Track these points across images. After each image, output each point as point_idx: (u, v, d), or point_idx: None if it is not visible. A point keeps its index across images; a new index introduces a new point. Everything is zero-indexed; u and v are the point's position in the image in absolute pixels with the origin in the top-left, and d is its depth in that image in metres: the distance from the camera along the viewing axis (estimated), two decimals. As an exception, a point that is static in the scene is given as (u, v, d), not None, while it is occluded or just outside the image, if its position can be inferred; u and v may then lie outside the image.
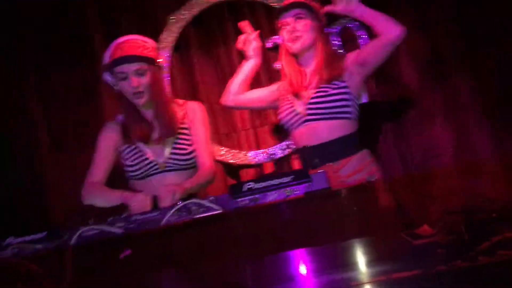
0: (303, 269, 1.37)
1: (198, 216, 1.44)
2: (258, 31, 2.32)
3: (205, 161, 2.09)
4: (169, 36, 2.77)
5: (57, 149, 2.83)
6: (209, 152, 2.13)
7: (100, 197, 2.05)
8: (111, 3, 2.89)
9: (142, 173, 2.09)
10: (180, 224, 1.41)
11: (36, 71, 2.86)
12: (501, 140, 2.66)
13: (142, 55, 2.03)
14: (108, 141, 2.13)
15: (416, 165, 2.73)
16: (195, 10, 2.79)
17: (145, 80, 2.03)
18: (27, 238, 1.55)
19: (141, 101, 2.05)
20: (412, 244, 1.40)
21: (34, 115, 2.84)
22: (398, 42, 2.06)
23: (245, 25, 2.30)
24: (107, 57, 2.07)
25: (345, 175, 2.04)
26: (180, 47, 2.82)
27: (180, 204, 1.53)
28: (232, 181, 2.79)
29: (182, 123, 2.13)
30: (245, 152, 2.74)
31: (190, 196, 1.82)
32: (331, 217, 1.36)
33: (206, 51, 2.84)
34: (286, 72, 2.22)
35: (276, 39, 2.73)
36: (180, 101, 2.24)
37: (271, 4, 2.78)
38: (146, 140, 2.07)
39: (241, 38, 2.29)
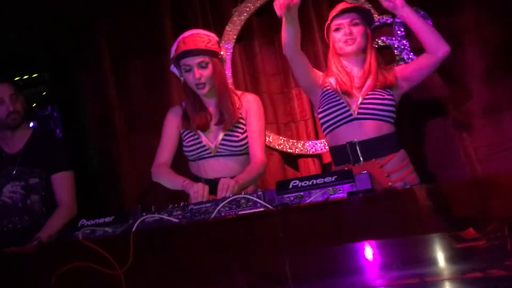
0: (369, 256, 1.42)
1: (244, 211, 1.54)
2: None
3: (257, 153, 2.20)
4: (233, 29, 2.88)
5: (130, 131, 3.06)
6: (261, 144, 2.24)
7: (165, 180, 2.25)
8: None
9: (195, 155, 2.27)
10: (227, 218, 1.52)
11: (113, 59, 3.08)
12: None
13: (205, 48, 2.17)
14: (172, 124, 2.32)
15: (480, 160, 2.65)
16: (259, 3, 2.86)
17: (207, 72, 2.17)
18: (98, 220, 1.76)
19: (203, 91, 2.21)
20: (454, 247, 1.41)
21: (110, 99, 3.08)
22: (443, 61, 2.20)
23: None
24: (173, 51, 2.24)
25: (387, 171, 2.18)
26: (243, 38, 2.92)
27: (231, 197, 1.65)
28: (291, 170, 2.88)
29: (238, 113, 2.25)
30: (303, 142, 2.80)
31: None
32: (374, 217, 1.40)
33: (268, 41, 2.92)
34: (333, 71, 2.30)
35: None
36: (238, 92, 2.36)
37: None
38: (204, 128, 2.24)
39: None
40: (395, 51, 2.74)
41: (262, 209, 1.52)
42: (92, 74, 3.11)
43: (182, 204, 1.75)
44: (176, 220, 1.64)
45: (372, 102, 2.22)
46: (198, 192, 2.00)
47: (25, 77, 3.35)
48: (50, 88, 3.32)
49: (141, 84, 3.00)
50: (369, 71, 2.26)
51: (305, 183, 1.59)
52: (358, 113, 2.22)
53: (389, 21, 2.77)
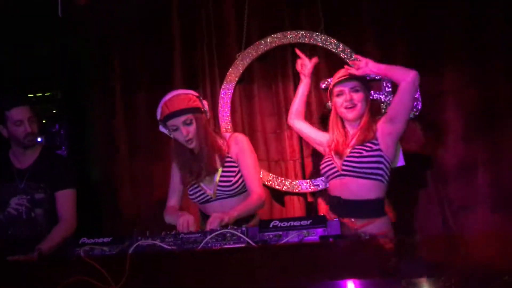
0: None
1: (227, 246, 1.75)
2: (313, 58, 2.72)
3: (254, 189, 2.39)
4: (235, 71, 3.13)
5: (132, 157, 3.28)
6: (257, 179, 2.43)
7: (169, 218, 2.45)
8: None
9: (200, 201, 2.49)
10: (213, 249, 1.74)
11: (123, 87, 3.32)
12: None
13: (186, 107, 2.33)
14: (177, 172, 2.52)
15: (453, 212, 2.86)
16: (260, 50, 3.12)
17: (193, 127, 2.35)
18: (97, 240, 1.97)
19: (191, 146, 2.39)
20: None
21: (116, 124, 3.31)
22: (415, 84, 2.37)
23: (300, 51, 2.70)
24: (158, 114, 2.40)
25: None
26: (244, 80, 3.17)
27: (219, 230, 1.86)
28: (277, 205, 3.09)
29: (227, 156, 2.43)
30: (290, 180, 3.03)
31: (237, 221, 2.18)
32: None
33: (266, 84, 3.16)
34: (332, 132, 2.52)
35: (330, 80, 3.01)
36: (227, 134, 2.55)
37: (331, 49, 3.04)
38: (197, 179, 2.42)
39: (298, 61, 2.68)
40: (382, 104, 2.98)
41: (243, 245, 1.73)
42: (102, 98, 3.36)
43: (174, 232, 1.97)
44: (168, 247, 1.85)
45: (352, 160, 2.37)
46: (182, 224, 2.19)
47: (39, 94, 3.58)
48: (61, 106, 3.53)
49: (146, 113, 3.22)
50: (358, 130, 2.42)
51: (284, 224, 1.81)
52: (343, 170, 2.39)
53: (378, 77, 3.01)
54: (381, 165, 2.36)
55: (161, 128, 2.44)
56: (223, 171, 2.42)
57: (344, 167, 2.39)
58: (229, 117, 3.10)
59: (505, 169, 2.83)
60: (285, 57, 3.13)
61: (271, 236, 1.80)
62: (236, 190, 2.42)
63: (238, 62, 3.13)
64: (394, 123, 2.37)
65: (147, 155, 3.24)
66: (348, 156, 2.39)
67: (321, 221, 1.77)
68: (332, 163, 2.45)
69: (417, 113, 2.93)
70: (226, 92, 3.12)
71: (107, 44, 3.34)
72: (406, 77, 2.32)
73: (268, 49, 3.11)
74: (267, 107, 3.15)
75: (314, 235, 1.76)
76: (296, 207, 3.01)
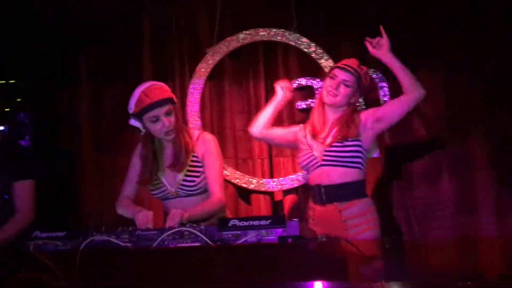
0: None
1: (184, 244, 1.71)
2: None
3: (216, 192, 2.32)
4: (206, 67, 3.08)
5: (97, 149, 3.21)
6: (220, 183, 2.37)
7: (124, 211, 2.36)
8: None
9: (161, 197, 2.43)
10: (169, 248, 1.69)
11: (91, 79, 3.24)
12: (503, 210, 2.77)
13: (168, 97, 2.28)
14: (138, 162, 2.42)
15: (415, 216, 2.89)
16: (232, 46, 3.08)
17: (173, 118, 2.29)
18: (51, 234, 1.89)
19: (171, 137, 2.31)
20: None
21: (82, 117, 3.23)
22: (418, 102, 2.37)
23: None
24: (133, 105, 2.25)
25: (346, 216, 2.34)
26: (214, 77, 3.12)
27: (176, 228, 1.82)
28: (243, 204, 3.07)
29: (193, 155, 2.37)
30: (257, 179, 3.00)
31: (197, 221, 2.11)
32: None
33: (237, 81, 3.13)
34: (313, 113, 2.49)
35: (301, 81, 3.00)
36: (196, 132, 2.48)
37: (303, 49, 3.03)
38: (149, 183, 2.37)
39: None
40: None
41: (198, 244, 1.69)
42: (69, 90, 3.27)
43: (130, 228, 1.91)
44: (122, 244, 1.80)
45: (333, 150, 2.37)
46: (142, 220, 2.12)
47: (2, 81, 3.46)
48: (26, 95, 3.43)
49: (113, 107, 3.15)
50: (340, 122, 2.39)
51: (243, 223, 1.77)
52: (324, 160, 2.38)
53: (381, 84, 2.95)
54: (360, 154, 2.38)
55: (132, 122, 2.31)
56: (188, 170, 2.34)
57: (325, 157, 2.39)
58: (198, 114, 3.05)
59: (470, 175, 2.87)
60: (257, 55, 3.11)
61: (230, 236, 1.76)
62: (198, 190, 2.37)
63: (208, 58, 3.09)
64: (381, 122, 2.40)
65: (112, 148, 3.16)
66: (329, 147, 2.39)
67: (280, 221, 1.74)
68: (312, 155, 2.42)
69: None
70: (196, 87, 3.07)
71: (76, 35, 3.25)
72: (416, 91, 2.33)
73: (240, 45, 3.08)
74: (237, 104, 3.12)
75: (273, 236, 1.73)
76: (262, 206, 2.99)
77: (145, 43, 3.16)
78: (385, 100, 2.96)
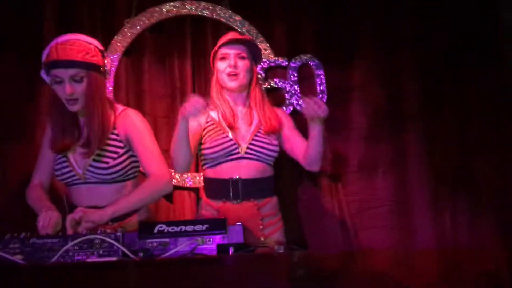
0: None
1: (93, 259, 1.32)
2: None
3: (153, 170, 1.96)
4: (122, 41, 2.64)
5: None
6: (156, 158, 1.99)
7: (32, 203, 2.01)
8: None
9: (64, 180, 2.02)
10: (70, 264, 1.29)
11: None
12: (437, 205, 2.68)
13: (81, 60, 1.89)
14: (46, 149, 2.04)
15: (351, 215, 2.71)
16: (155, 19, 2.68)
17: (82, 87, 1.90)
18: None
19: (74, 108, 1.94)
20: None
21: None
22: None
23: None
24: (44, 55, 1.94)
25: (262, 214, 2.17)
26: (131, 52, 2.69)
27: (84, 236, 1.42)
28: (164, 202, 2.67)
29: (113, 132, 2.00)
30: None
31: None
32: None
33: (159, 60, 2.72)
34: (216, 102, 2.24)
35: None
36: (120, 107, 2.11)
37: (235, 27, 2.72)
38: (64, 150, 1.98)
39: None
40: (286, 94, 2.73)
41: (115, 258, 1.30)
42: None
43: (23, 235, 1.48)
44: (10, 257, 1.36)
45: (261, 145, 2.21)
46: (43, 223, 1.74)
47: None
48: None
49: (13, 90, 2.59)
50: (254, 108, 2.23)
51: (173, 229, 1.42)
52: (246, 153, 2.18)
53: (284, 64, 2.76)
54: (277, 150, 2.28)
55: (42, 74, 1.98)
56: (102, 149, 1.96)
57: (251, 151, 2.20)
58: (111, 94, 2.60)
59: (407, 172, 2.75)
60: (183, 30, 2.72)
61: (155, 244, 1.40)
62: (112, 176, 1.97)
63: (126, 30, 2.65)
64: (279, 140, 2.31)
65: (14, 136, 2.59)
66: (257, 141, 2.21)
67: (220, 225, 1.41)
68: (234, 143, 2.18)
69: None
70: (109, 63, 2.61)
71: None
72: (310, 166, 2.26)
73: (164, 18, 2.68)
74: (159, 86, 2.71)
75: (210, 243, 1.40)
76: (186, 205, 2.61)
77: (48, 7, 2.63)
78: (321, 89, 2.74)
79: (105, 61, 2.00)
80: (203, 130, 2.20)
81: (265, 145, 2.22)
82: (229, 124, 2.17)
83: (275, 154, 2.25)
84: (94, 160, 1.95)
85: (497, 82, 2.76)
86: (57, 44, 1.90)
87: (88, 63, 1.90)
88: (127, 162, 2.00)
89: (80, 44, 1.92)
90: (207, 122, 2.21)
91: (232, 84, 2.19)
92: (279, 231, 2.20)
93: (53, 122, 1.99)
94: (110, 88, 2.61)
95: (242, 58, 2.19)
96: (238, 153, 2.16)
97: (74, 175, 1.98)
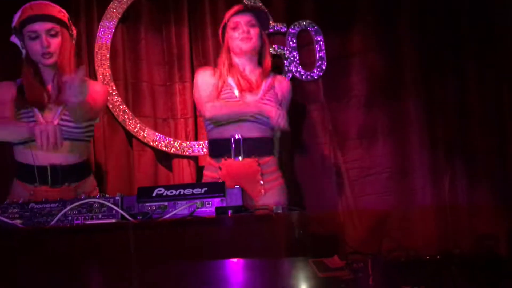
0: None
1: (92, 221, 1.32)
2: None
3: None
4: (118, 7, 2.59)
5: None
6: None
7: (7, 128, 1.95)
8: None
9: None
10: (70, 227, 1.29)
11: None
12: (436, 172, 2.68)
13: (57, 16, 1.98)
14: (5, 94, 2.01)
15: (351, 181, 2.71)
16: (151, -16, 2.63)
17: (57, 41, 1.97)
18: None
19: (49, 61, 1.97)
20: (317, 276, 1.35)
21: None
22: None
23: None
24: (16, 18, 1.99)
25: (263, 170, 2.19)
26: (128, 19, 2.64)
27: (83, 200, 1.41)
28: (163, 170, 2.68)
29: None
30: (180, 141, 2.62)
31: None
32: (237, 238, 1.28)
33: (156, 27, 2.69)
34: (226, 71, 2.23)
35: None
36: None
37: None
38: (40, 105, 1.98)
39: None
40: (285, 61, 2.70)
41: (115, 220, 1.31)
42: None
43: (21, 200, 1.48)
44: (8, 221, 1.36)
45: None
46: (41, 137, 1.82)
47: None
48: None
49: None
50: (265, 73, 2.24)
51: (171, 192, 1.42)
52: (251, 116, 2.16)
53: (283, 30, 2.72)
54: None
55: (13, 38, 2.02)
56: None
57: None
58: (108, 62, 2.57)
59: (405, 138, 2.74)
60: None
61: (154, 208, 1.40)
62: (81, 134, 2.02)
63: (122, -4, 2.60)
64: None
65: None
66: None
67: (218, 189, 1.41)
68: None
69: (321, 74, 2.71)
70: (105, 31, 2.57)
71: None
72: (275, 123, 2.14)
73: (160, -16, 2.63)
74: (156, 54, 2.68)
75: (209, 206, 1.40)
76: (186, 173, 2.62)
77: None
78: (321, 56, 2.71)
79: (73, 28, 2.06)
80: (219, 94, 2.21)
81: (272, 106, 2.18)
82: (242, 90, 2.18)
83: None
84: (64, 116, 1.97)
85: (498, 50, 2.73)
86: (30, 4, 1.98)
87: (62, 20, 1.99)
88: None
89: (52, 4, 2.01)
90: (224, 91, 2.21)
91: (246, 45, 2.19)
92: (279, 186, 2.21)
93: (26, 79, 2.00)
94: (107, 56, 2.57)
95: (253, 25, 2.21)
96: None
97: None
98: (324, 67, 2.72)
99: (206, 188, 1.41)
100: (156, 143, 2.61)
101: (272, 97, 2.22)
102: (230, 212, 1.37)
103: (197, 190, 1.41)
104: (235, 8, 2.24)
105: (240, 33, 2.19)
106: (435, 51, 2.75)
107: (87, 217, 1.39)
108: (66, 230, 1.27)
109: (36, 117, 1.96)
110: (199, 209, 1.40)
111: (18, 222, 1.38)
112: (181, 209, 1.40)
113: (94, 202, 1.41)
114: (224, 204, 1.40)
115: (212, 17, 2.68)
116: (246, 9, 2.25)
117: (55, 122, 1.96)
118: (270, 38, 2.69)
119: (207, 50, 2.66)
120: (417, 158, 2.71)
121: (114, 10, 2.59)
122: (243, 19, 2.20)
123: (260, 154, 2.20)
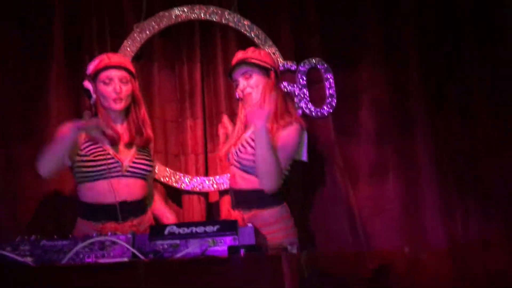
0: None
1: (104, 260, 1.31)
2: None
3: None
4: (132, 45, 2.65)
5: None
6: None
7: (50, 150, 2.00)
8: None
9: (101, 171, 2.07)
10: (82, 265, 1.28)
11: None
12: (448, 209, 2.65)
13: (129, 67, 2.20)
14: (72, 131, 2.03)
15: (362, 219, 2.68)
16: (164, 24, 2.68)
17: (127, 88, 2.16)
18: None
19: (119, 106, 2.14)
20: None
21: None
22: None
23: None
24: (91, 67, 2.17)
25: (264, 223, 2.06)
26: (142, 57, 2.70)
27: (94, 238, 1.41)
28: (173, 206, 2.67)
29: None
30: (191, 177, 2.62)
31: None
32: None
33: (168, 65, 2.73)
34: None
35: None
36: None
37: (243, 31, 2.72)
38: (116, 143, 2.13)
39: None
40: (295, 99, 2.72)
41: (126, 259, 1.29)
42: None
43: (33, 237, 1.48)
44: (20, 259, 1.36)
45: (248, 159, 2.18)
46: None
47: None
48: None
49: (16, 93, 2.59)
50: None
51: (183, 230, 1.41)
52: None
53: (293, 68, 2.75)
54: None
55: (86, 84, 2.18)
56: (144, 149, 2.21)
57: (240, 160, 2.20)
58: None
59: (415, 175, 2.72)
60: (192, 35, 2.73)
61: (166, 246, 1.39)
62: (149, 173, 2.22)
63: (135, 35, 2.65)
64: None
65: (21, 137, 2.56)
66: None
67: (231, 227, 1.40)
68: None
69: (331, 110, 2.72)
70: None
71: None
72: (265, 185, 2.07)
73: (173, 23, 2.69)
74: (168, 91, 2.71)
75: (221, 245, 1.39)
76: (196, 209, 2.60)
77: (57, 11, 2.64)
78: (331, 93, 2.73)
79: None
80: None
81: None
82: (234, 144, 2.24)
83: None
84: (139, 154, 2.15)
85: (504, 80, 2.73)
86: (107, 54, 2.22)
87: (131, 71, 2.21)
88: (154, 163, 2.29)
89: (122, 56, 2.35)
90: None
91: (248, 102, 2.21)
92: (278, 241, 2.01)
93: (106, 119, 2.15)
94: (120, 92, 2.61)
95: (249, 76, 2.20)
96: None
97: (116, 166, 2.08)
98: (334, 104, 2.74)
99: (219, 226, 1.40)
100: (167, 179, 2.61)
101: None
102: (242, 251, 1.35)
103: (209, 228, 1.40)
104: (234, 59, 2.26)
105: (242, 86, 2.20)
106: (441, 85, 2.75)
107: (98, 255, 1.39)
108: (77, 268, 1.26)
109: (109, 152, 2.10)
110: (211, 248, 1.39)
111: (29, 260, 1.38)
112: (193, 248, 1.38)
113: (106, 240, 1.40)
114: (237, 243, 1.38)
115: (223, 52, 2.73)
116: (239, 64, 2.21)
117: (128, 162, 2.12)
118: (280, 76, 2.72)
119: (219, 87, 2.70)
120: (429, 194, 2.68)
121: (128, 49, 2.64)
122: (237, 74, 2.21)
123: (261, 207, 2.10)
